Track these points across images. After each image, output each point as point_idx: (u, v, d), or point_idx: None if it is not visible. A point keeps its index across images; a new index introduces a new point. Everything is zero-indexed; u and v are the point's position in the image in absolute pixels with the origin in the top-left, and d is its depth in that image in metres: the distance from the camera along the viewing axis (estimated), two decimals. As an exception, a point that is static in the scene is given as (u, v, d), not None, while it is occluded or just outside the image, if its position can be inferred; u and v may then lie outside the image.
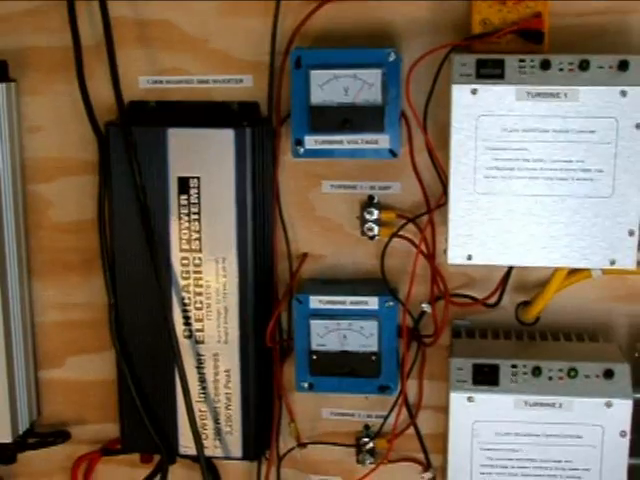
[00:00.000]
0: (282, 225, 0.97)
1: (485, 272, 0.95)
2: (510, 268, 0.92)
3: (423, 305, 0.96)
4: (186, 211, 0.92)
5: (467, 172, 0.84)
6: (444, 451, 0.98)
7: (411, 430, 0.99)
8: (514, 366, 0.88)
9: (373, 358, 0.93)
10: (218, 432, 0.98)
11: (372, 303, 0.93)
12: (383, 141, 0.89)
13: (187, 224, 0.93)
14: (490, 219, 0.84)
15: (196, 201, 0.92)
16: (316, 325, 0.93)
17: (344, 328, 0.93)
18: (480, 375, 0.88)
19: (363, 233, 0.95)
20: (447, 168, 0.86)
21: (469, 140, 0.83)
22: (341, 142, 0.89)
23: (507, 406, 0.88)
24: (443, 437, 0.99)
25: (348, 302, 0.93)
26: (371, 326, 0.93)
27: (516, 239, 0.85)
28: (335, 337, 0.93)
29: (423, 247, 0.93)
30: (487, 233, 0.85)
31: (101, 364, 1.03)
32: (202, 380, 0.97)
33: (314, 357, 0.94)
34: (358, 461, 1.02)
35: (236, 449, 0.98)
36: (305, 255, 0.98)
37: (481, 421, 0.88)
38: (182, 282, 0.94)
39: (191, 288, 0.94)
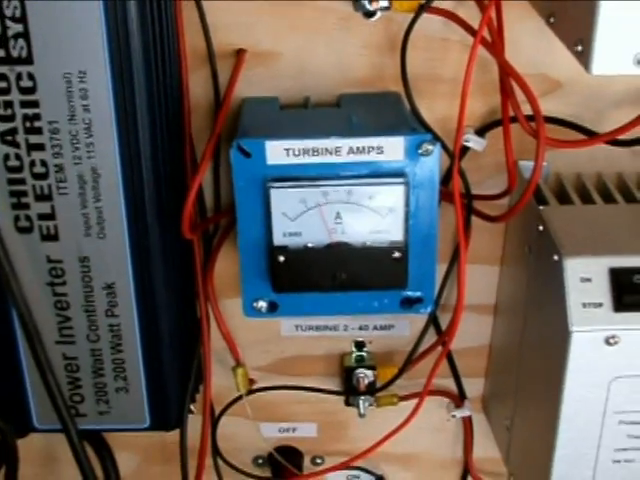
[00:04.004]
0: (194, -3, 0.49)
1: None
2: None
3: (468, 137, 0.51)
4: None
5: None
6: (487, 374, 0.58)
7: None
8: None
9: (396, 255, 0.48)
10: (102, 390, 0.53)
11: (392, 148, 0.47)
12: None
13: None
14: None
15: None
16: (281, 197, 0.47)
17: (337, 201, 0.47)
18: (628, 292, 0.44)
19: (357, 5, 0.48)
20: None
21: None
22: None
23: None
24: (489, 353, 0.58)
25: (344, 150, 0.46)
26: (391, 194, 0.47)
27: None
28: (319, 219, 0.47)
29: (485, 31, 0.47)
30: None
31: None
32: (61, 306, 0.51)
33: (280, 258, 0.48)
34: (348, 404, 0.60)
35: (137, 415, 0.54)
36: (242, 53, 0.50)
37: (625, 377, 0.46)
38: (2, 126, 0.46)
39: (20, 138, 0.46)
